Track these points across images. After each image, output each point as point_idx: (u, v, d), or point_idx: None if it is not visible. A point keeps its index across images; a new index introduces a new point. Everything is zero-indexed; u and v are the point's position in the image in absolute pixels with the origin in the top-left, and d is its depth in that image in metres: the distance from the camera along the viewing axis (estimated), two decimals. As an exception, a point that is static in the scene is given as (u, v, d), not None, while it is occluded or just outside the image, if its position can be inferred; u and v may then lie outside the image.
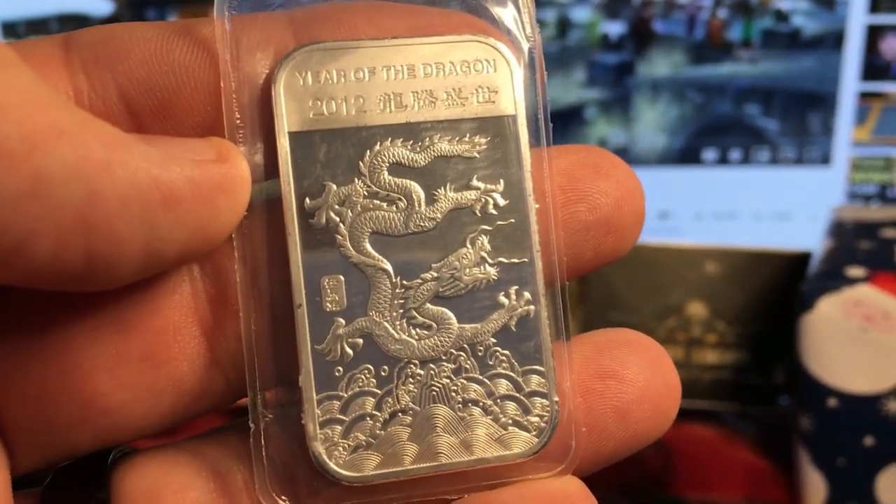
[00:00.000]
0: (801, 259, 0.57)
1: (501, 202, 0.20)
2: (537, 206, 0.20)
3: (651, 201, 0.85)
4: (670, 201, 0.76)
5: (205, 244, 0.17)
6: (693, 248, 0.61)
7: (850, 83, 0.73)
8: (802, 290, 0.50)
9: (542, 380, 0.20)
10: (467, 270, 0.19)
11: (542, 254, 0.20)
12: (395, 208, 0.19)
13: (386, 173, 0.19)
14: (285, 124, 0.19)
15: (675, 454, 0.57)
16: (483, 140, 0.20)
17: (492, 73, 0.20)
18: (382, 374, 0.19)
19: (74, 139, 0.14)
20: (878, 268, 0.50)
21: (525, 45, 0.20)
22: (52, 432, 0.18)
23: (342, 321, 0.19)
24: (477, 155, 0.20)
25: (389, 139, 0.19)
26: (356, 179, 0.19)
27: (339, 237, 0.19)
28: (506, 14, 0.20)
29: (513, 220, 0.20)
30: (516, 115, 0.20)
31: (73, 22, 0.74)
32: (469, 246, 0.20)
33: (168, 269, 0.17)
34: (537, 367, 0.20)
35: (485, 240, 0.20)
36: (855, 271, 0.50)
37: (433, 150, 0.19)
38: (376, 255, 0.19)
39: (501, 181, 0.20)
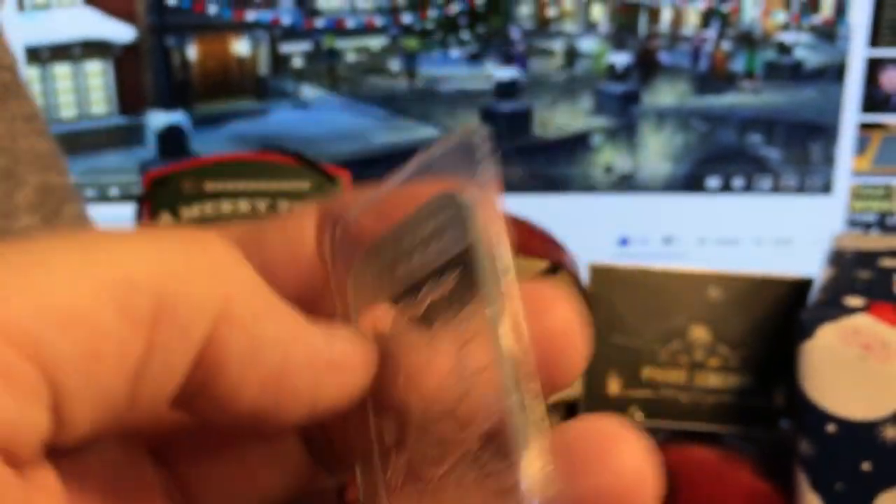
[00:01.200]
0: (803, 285, 0.58)
1: None
2: None
3: (655, 227, 0.87)
4: (674, 227, 0.77)
5: (342, 403, 0.21)
6: (696, 274, 0.61)
7: (851, 114, 0.74)
8: (802, 318, 0.51)
9: None
10: None
11: None
12: None
13: None
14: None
15: (677, 475, 0.58)
16: None
17: None
18: None
19: (278, 318, 0.20)
20: (877, 298, 0.51)
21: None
22: None
23: None
24: None
25: None
26: None
27: None
28: None
29: None
30: None
31: (96, 47, 0.76)
32: None
33: (316, 420, 0.22)
34: None
35: None
36: (854, 301, 0.51)
37: None
38: None
39: None
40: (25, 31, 0.74)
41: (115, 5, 0.74)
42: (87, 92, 0.77)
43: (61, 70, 0.76)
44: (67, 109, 0.76)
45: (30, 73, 0.75)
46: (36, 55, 0.75)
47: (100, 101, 0.77)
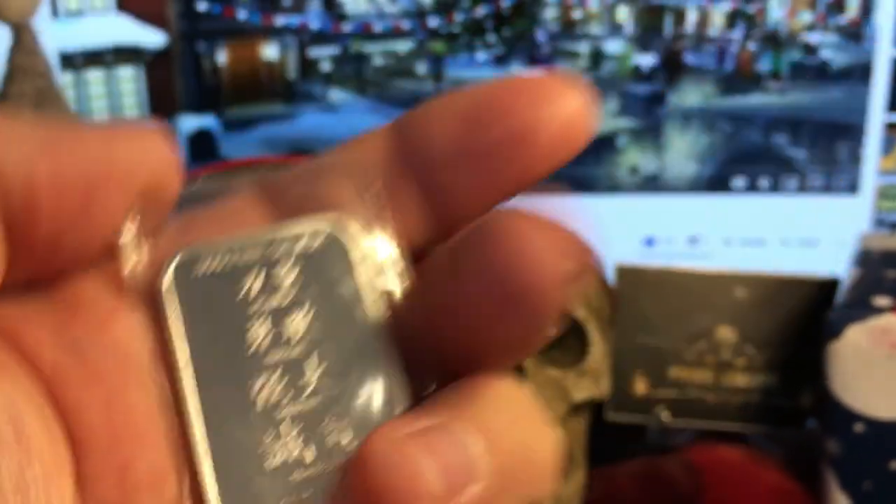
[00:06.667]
0: (829, 285, 0.58)
1: None
2: None
3: (681, 227, 0.87)
4: (700, 227, 0.77)
5: None
6: (722, 274, 0.61)
7: (877, 114, 0.74)
8: (830, 318, 0.51)
9: None
10: None
11: None
12: None
13: None
14: None
15: (704, 475, 0.58)
16: None
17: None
18: None
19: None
20: (904, 297, 0.51)
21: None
22: None
23: None
24: None
25: None
26: None
27: None
28: None
29: None
30: None
31: (128, 53, 0.77)
32: None
33: None
34: None
35: None
36: (881, 301, 0.51)
37: None
38: None
39: None
40: (60, 38, 0.76)
41: (147, 12, 0.76)
42: (120, 97, 0.78)
43: (94, 76, 0.77)
44: (100, 114, 0.78)
45: (64, 79, 0.76)
46: (70, 61, 0.77)
47: (132, 105, 0.78)
